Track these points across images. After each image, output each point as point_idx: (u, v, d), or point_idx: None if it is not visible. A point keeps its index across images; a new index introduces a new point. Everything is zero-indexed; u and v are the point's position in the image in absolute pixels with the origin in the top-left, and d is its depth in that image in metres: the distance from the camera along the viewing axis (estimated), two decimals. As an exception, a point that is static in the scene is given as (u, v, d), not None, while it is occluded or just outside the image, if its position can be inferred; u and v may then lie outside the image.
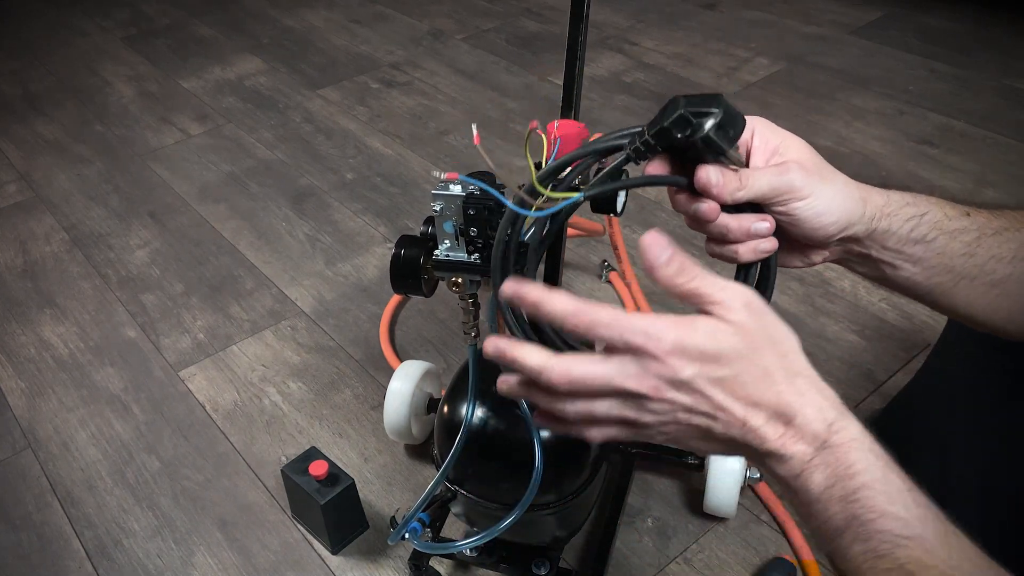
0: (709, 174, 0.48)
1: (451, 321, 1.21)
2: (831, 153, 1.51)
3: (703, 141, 0.46)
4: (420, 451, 1.01)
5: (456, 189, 0.61)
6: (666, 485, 0.96)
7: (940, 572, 0.41)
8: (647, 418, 0.45)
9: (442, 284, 0.67)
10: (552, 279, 0.71)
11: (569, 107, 0.71)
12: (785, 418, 0.44)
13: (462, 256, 0.64)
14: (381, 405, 0.97)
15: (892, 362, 1.10)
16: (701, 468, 0.91)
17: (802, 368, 0.45)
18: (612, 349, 0.44)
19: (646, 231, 0.44)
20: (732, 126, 0.47)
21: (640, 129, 0.49)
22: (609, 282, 1.24)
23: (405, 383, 0.94)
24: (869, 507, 0.42)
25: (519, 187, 0.52)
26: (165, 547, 0.93)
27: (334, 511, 0.87)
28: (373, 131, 1.70)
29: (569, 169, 0.53)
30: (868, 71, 1.80)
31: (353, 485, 0.88)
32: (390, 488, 0.98)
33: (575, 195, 0.49)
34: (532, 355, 0.46)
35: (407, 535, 0.74)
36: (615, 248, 1.14)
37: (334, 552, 0.91)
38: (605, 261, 1.24)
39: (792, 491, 0.45)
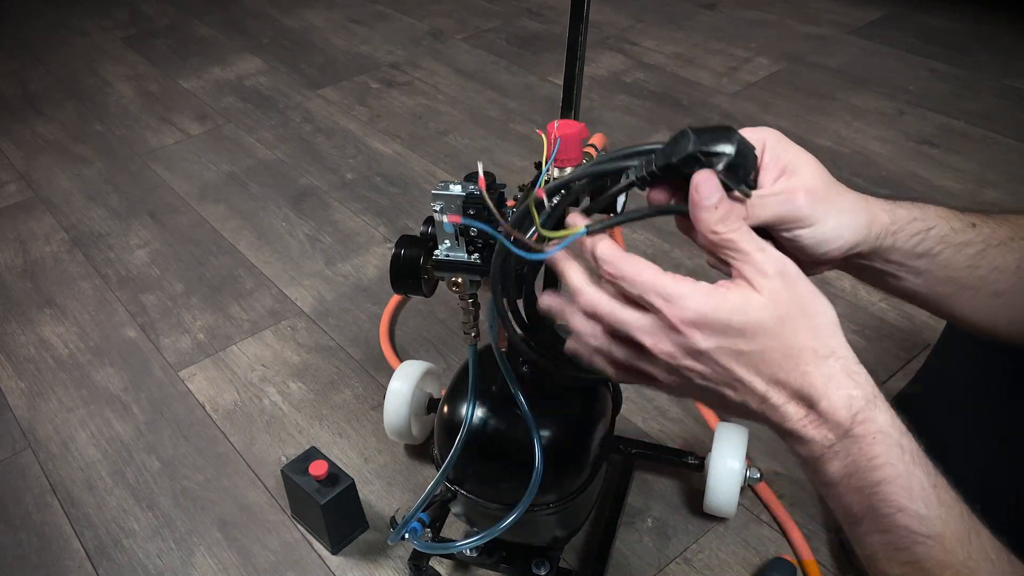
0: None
1: (451, 321, 1.21)
2: (831, 153, 1.51)
3: None
4: (420, 451, 1.01)
5: (456, 189, 0.61)
6: (666, 485, 0.96)
7: (956, 572, 0.41)
8: (661, 376, 0.46)
9: (442, 284, 0.67)
10: (552, 283, 0.70)
11: (569, 107, 0.71)
12: (809, 401, 0.43)
13: (462, 256, 0.64)
14: (381, 405, 0.97)
15: (892, 362, 1.10)
16: (701, 468, 0.91)
17: (836, 346, 0.43)
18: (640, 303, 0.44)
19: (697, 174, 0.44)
20: (743, 165, 0.45)
21: (648, 150, 0.47)
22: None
23: (405, 383, 0.94)
24: (888, 502, 0.42)
25: (520, 224, 0.51)
26: (165, 547, 0.93)
27: (334, 511, 0.87)
28: (373, 131, 1.70)
29: (564, 193, 0.51)
30: (868, 71, 1.80)
31: (353, 485, 0.88)
32: (390, 488, 0.98)
33: (579, 231, 0.47)
34: (575, 275, 0.47)
35: (407, 535, 0.74)
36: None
37: (334, 552, 0.91)
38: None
39: (811, 471, 0.45)
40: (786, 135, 0.50)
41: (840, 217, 0.49)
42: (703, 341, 0.42)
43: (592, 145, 0.68)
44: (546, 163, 0.60)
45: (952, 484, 0.44)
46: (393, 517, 0.81)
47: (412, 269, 0.65)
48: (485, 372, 0.72)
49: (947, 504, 0.42)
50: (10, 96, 1.94)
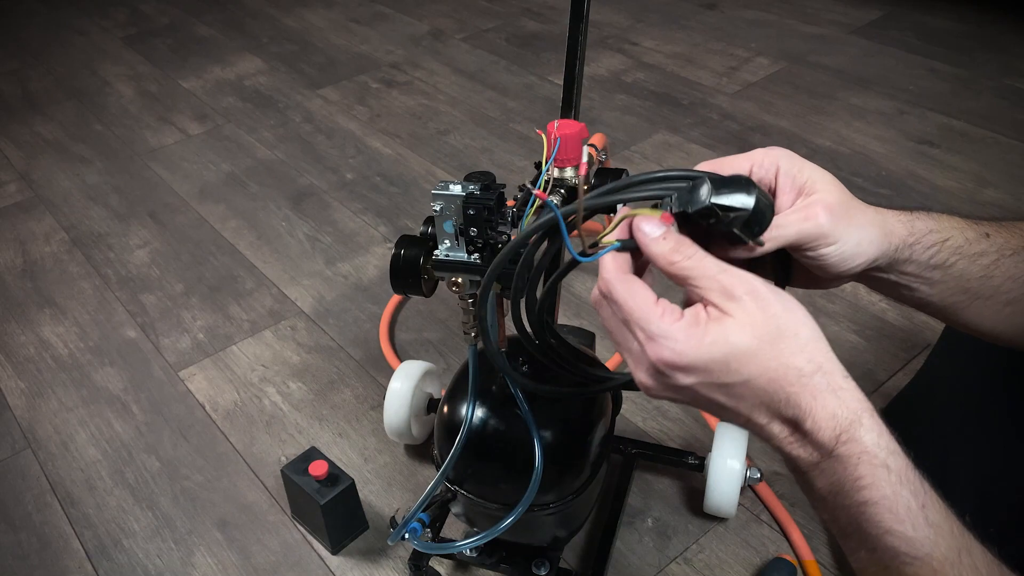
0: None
1: (451, 321, 1.21)
2: (831, 153, 1.51)
3: (727, 237, 0.45)
4: (420, 451, 1.01)
5: (456, 189, 0.61)
6: (666, 485, 0.96)
7: None
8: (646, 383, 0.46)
9: (442, 284, 0.67)
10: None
11: (569, 107, 0.71)
12: (793, 422, 0.42)
13: (462, 256, 0.64)
14: (381, 405, 0.97)
15: (892, 362, 1.10)
16: (701, 468, 0.91)
17: (821, 361, 0.42)
18: None
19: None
20: (759, 222, 0.44)
21: (683, 176, 0.47)
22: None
23: (405, 383, 0.94)
24: (875, 523, 0.41)
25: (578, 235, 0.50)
26: (165, 547, 0.93)
27: (334, 511, 0.87)
28: (373, 131, 1.70)
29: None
30: (868, 71, 1.80)
31: (353, 485, 0.88)
32: (390, 488, 0.98)
33: (613, 244, 0.47)
34: (608, 266, 0.46)
35: (407, 535, 0.74)
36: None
37: (334, 552, 0.91)
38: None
39: (800, 483, 0.45)
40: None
41: (861, 232, 0.49)
42: (683, 379, 0.42)
43: (592, 145, 0.68)
44: (546, 163, 0.60)
45: (942, 497, 0.43)
46: (393, 517, 0.81)
47: (412, 269, 0.65)
48: (485, 372, 0.72)
49: (936, 524, 0.42)
50: (10, 96, 1.94)
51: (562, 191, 0.61)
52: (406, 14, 2.22)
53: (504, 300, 0.67)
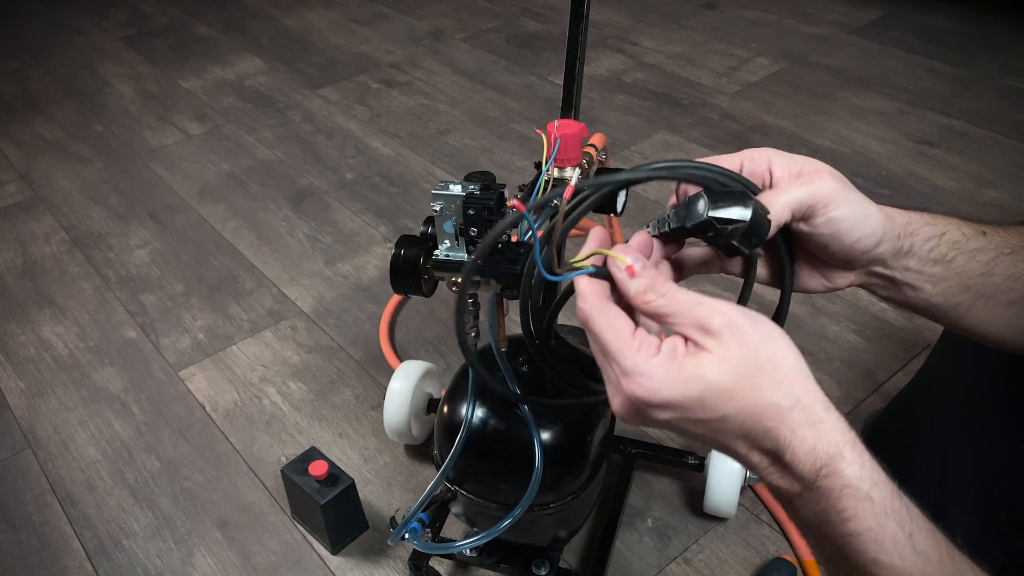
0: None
1: (451, 321, 1.21)
2: (831, 153, 1.51)
3: (725, 249, 0.47)
4: (420, 451, 1.01)
5: (456, 189, 0.61)
6: (666, 485, 0.96)
7: None
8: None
9: (442, 284, 0.67)
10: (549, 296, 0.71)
11: (569, 107, 0.71)
12: (772, 455, 0.42)
13: (462, 256, 0.64)
14: (381, 405, 0.97)
15: (892, 362, 1.10)
16: (701, 468, 0.91)
17: (801, 393, 0.41)
18: None
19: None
20: (756, 233, 0.45)
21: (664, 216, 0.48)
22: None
23: (405, 383, 0.94)
24: (860, 553, 0.41)
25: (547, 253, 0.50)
26: (165, 547, 0.93)
27: (334, 511, 0.87)
28: (373, 131, 1.70)
29: (570, 204, 0.51)
30: (868, 71, 1.80)
31: (353, 485, 0.88)
32: (390, 488, 0.98)
33: (587, 269, 0.46)
34: (584, 293, 0.45)
35: (407, 535, 0.74)
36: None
37: (334, 552, 0.91)
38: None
39: (785, 509, 0.45)
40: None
41: (866, 204, 0.50)
42: (659, 415, 0.42)
43: (592, 145, 0.68)
44: (546, 163, 0.60)
45: (933, 520, 0.42)
46: (393, 517, 0.81)
47: (412, 269, 0.65)
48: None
49: (924, 552, 0.41)
50: (10, 96, 1.94)
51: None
52: (406, 14, 2.22)
53: (504, 300, 0.67)
